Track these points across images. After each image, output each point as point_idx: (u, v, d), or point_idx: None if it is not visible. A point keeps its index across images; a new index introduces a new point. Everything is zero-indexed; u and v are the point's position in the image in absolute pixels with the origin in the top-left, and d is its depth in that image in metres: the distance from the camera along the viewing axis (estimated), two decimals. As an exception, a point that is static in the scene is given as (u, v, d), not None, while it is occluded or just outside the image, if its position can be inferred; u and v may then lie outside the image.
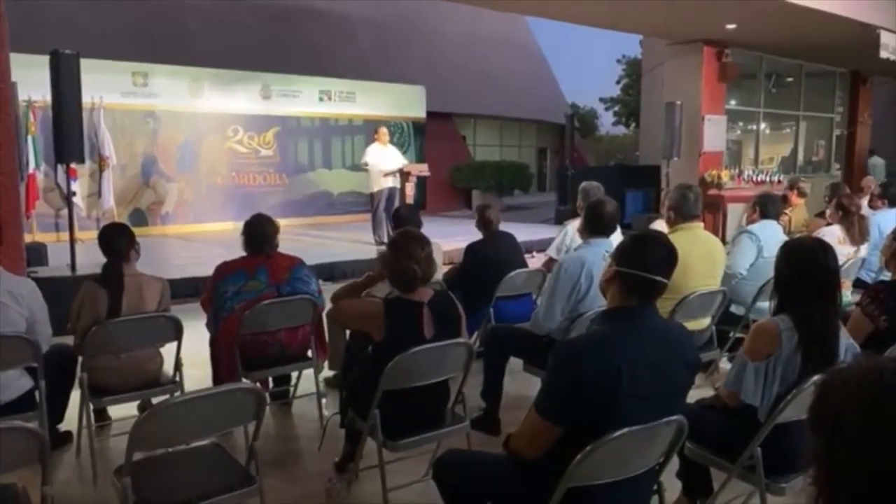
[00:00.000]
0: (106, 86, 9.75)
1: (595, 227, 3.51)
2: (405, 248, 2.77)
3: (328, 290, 4.02)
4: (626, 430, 1.85)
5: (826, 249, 2.48)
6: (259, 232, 3.64)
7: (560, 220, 12.08)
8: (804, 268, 2.43)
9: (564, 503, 1.91)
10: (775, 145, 14.80)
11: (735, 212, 10.52)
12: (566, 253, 4.75)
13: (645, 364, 1.89)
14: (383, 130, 9.56)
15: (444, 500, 2.27)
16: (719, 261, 3.93)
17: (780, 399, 2.34)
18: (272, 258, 3.64)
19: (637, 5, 8.90)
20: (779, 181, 11.11)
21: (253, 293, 3.49)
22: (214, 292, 3.58)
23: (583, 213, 3.67)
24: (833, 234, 4.52)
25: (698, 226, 3.84)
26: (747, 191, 10.57)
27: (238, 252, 3.74)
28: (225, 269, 3.62)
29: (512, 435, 2.10)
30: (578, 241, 4.28)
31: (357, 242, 9.61)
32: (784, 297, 2.46)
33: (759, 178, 11.38)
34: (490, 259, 4.52)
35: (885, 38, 9.79)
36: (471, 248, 4.70)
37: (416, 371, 2.68)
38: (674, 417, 1.95)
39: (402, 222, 4.19)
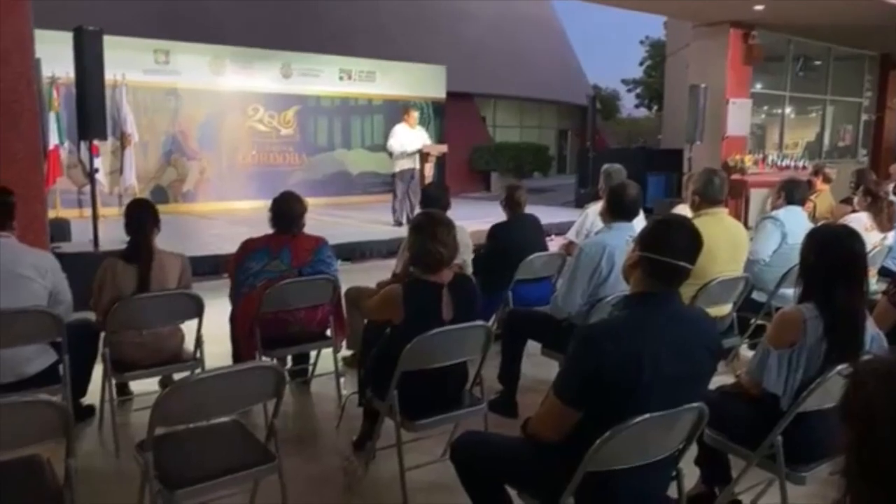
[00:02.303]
0: (128, 63, 9.79)
1: (617, 210, 3.47)
2: (432, 230, 2.76)
3: (346, 270, 4.03)
4: (646, 415, 1.83)
5: (853, 236, 2.44)
6: (287, 210, 3.65)
7: (580, 203, 11.99)
8: (831, 255, 2.39)
9: (582, 487, 1.90)
10: (800, 130, 14.56)
11: (758, 197, 10.39)
12: (586, 237, 4.73)
13: (667, 350, 1.87)
14: (413, 113, 9.52)
15: (462, 480, 2.27)
16: (743, 247, 3.88)
17: (803, 387, 2.31)
18: (297, 238, 3.64)
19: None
20: (804, 167, 10.93)
21: (275, 273, 3.51)
22: (238, 267, 3.60)
23: (605, 196, 3.63)
24: (860, 221, 4.44)
25: (723, 211, 3.79)
26: (771, 176, 10.42)
27: (257, 231, 3.75)
28: (251, 246, 3.65)
29: (531, 418, 2.09)
30: (599, 224, 4.25)
31: (376, 223, 9.62)
32: (809, 284, 2.42)
33: (783, 164, 11.20)
34: (514, 241, 4.44)
35: (918, 21, 9.55)
36: (496, 230, 4.61)
37: (435, 352, 2.68)
38: (695, 404, 1.94)
39: (432, 202, 4.13)
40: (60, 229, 6.95)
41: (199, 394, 2.13)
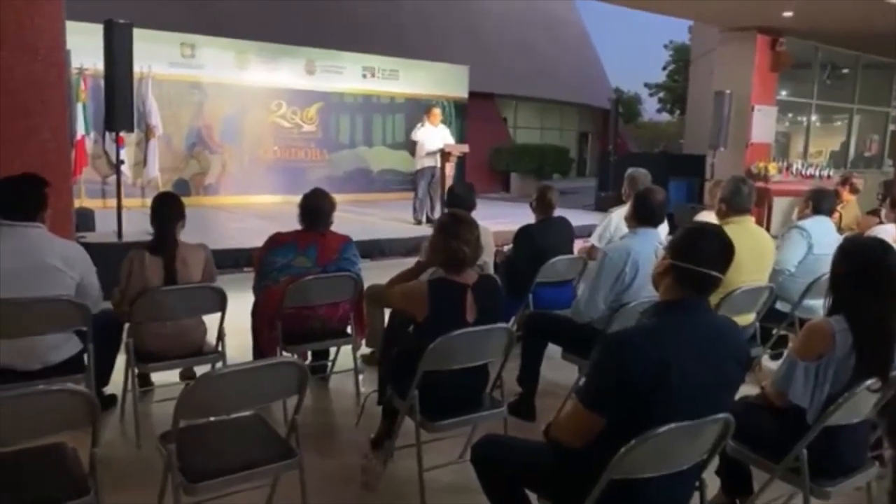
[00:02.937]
0: (154, 55, 9.86)
1: (643, 216, 3.44)
2: (455, 230, 2.76)
3: (365, 267, 4.03)
4: (672, 425, 1.82)
5: (887, 249, 2.41)
6: (315, 207, 3.65)
7: (600, 206, 11.93)
8: (863, 267, 2.35)
9: (605, 495, 1.89)
10: (824, 138, 14.40)
11: (781, 205, 10.27)
12: (609, 241, 4.69)
13: (695, 359, 1.85)
14: (436, 112, 9.61)
15: (482, 483, 2.27)
16: (768, 256, 3.84)
17: (830, 401, 2.28)
18: (325, 237, 3.65)
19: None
20: (828, 176, 10.80)
21: (300, 269, 3.52)
22: (263, 259, 3.62)
23: (631, 201, 3.60)
24: (888, 233, 4.36)
25: (749, 220, 3.76)
26: (795, 184, 10.32)
27: (277, 225, 3.76)
28: (278, 239, 3.67)
29: (553, 424, 2.08)
30: (623, 229, 4.21)
31: (396, 221, 9.63)
32: (840, 296, 2.39)
33: (808, 172, 11.08)
34: (543, 245, 4.35)
35: (950, 30, 9.40)
36: (526, 231, 4.51)
37: (457, 353, 2.68)
38: (721, 415, 1.92)
39: (458, 202, 4.09)
40: (85, 219, 7.00)
41: (223, 387, 2.15)
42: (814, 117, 13.64)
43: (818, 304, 4.15)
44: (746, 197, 3.71)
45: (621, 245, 3.45)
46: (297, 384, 2.28)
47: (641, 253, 3.32)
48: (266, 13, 14.00)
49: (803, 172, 11.06)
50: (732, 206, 3.72)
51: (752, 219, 3.82)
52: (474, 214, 3.47)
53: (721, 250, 1.95)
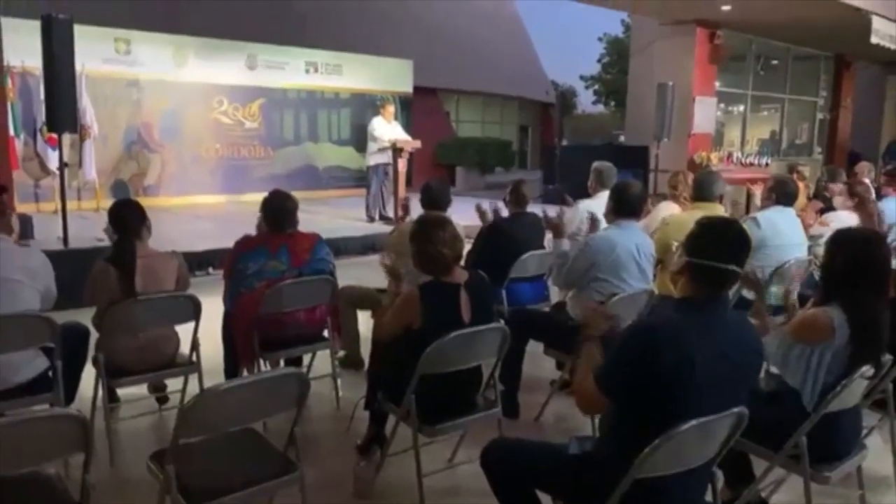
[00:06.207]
0: (87, 52, 9.35)
1: (624, 208, 3.47)
2: (427, 235, 2.71)
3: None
4: (694, 421, 1.82)
5: (880, 241, 2.48)
6: (279, 209, 3.51)
7: (548, 199, 12.00)
8: (859, 258, 2.39)
9: (627, 495, 1.87)
10: (752, 128, 14.91)
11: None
12: (577, 232, 4.71)
13: (718, 359, 1.85)
14: (389, 108, 9.58)
15: (493, 486, 2.22)
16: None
17: (826, 388, 2.33)
18: (294, 237, 3.53)
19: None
20: (766, 164, 11.19)
21: (275, 273, 3.39)
22: (233, 267, 3.47)
23: (609, 195, 3.62)
24: (844, 221, 4.51)
25: (716, 207, 3.85)
26: (735, 172, 10.63)
27: (225, 226, 3.61)
28: (246, 244, 3.51)
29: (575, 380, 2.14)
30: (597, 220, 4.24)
31: (348, 219, 9.46)
32: (833, 288, 2.43)
33: (747, 161, 11.45)
34: (516, 239, 4.27)
35: (877, 23, 9.86)
36: (498, 226, 4.42)
37: (454, 355, 2.63)
38: (735, 409, 1.92)
39: (434, 198, 3.98)
40: (23, 225, 6.63)
41: (226, 403, 2.03)
42: (745, 107, 14.11)
43: (778, 292, 4.27)
44: (713, 186, 3.86)
45: (607, 236, 3.47)
46: (298, 396, 2.19)
47: (624, 249, 3.36)
48: (204, 7, 13.54)
49: (743, 161, 11.42)
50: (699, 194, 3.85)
51: (722, 208, 3.89)
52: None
53: (737, 244, 1.94)
